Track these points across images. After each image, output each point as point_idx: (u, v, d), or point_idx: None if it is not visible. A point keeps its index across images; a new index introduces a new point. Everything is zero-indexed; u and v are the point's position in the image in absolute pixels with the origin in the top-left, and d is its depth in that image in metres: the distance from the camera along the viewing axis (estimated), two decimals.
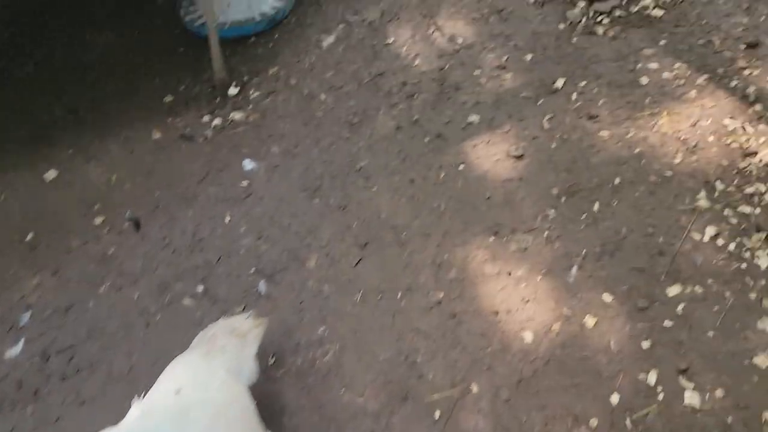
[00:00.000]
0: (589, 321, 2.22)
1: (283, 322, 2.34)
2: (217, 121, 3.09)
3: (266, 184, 2.82)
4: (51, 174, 2.90)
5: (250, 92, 3.23)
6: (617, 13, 3.37)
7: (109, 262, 2.58)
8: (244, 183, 2.83)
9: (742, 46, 3.05)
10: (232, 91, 3.23)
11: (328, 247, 2.56)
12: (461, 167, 2.79)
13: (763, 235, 2.31)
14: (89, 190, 2.83)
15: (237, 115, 3.11)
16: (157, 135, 3.06)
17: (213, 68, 3.16)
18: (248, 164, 2.90)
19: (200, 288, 2.47)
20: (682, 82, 2.95)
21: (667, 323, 2.17)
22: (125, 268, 2.55)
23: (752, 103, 2.79)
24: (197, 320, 2.36)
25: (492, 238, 2.52)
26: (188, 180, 2.87)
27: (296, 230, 2.63)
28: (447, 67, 3.24)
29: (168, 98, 3.23)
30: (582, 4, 3.43)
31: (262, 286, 2.46)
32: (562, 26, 3.35)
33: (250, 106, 3.16)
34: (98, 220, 2.71)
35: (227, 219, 2.69)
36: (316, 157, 2.92)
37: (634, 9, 3.39)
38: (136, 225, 2.69)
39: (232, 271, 2.52)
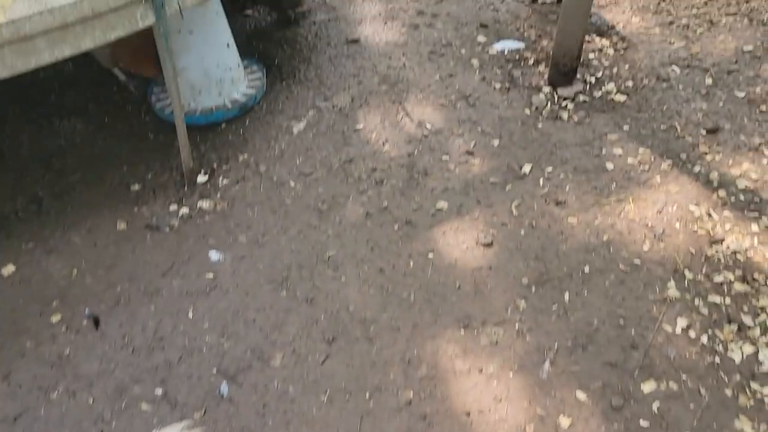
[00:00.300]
0: (564, 422, 2.14)
1: (244, 428, 2.22)
2: (184, 210, 3.05)
3: (232, 276, 2.75)
4: (8, 269, 2.80)
5: (219, 179, 3.21)
6: (581, 98, 3.45)
7: (65, 364, 2.46)
8: (210, 275, 2.76)
9: (703, 132, 3.13)
10: (201, 178, 3.20)
11: (294, 343, 2.48)
12: (430, 255, 2.76)
13: (734, 327, 2.28)
14: (48, 286, 2.74)
15: (205, 204, 3.07)
16: (122, 225, 3.00)
17: (181, 157, 3.14)
18: (214, 255, 2.84)
19: (159, 391, 2.35)
20: (646, 167, 2.99)
21: (643, 423, 2.10)
22: (81, 371, 2.43)
23: (716, 189, 2.83)
24: (153, 426, 2.24)
25: (462, 331, 2.46)
26: (152, 272, 2.79)
27: (261, 325, 2.55)
28: (416, 152, 3.26)
29: (135, 186, 3.19)
30: (547, 89, 3.52)
31: (224, 387, 2.35)
32: (527, 111, 3.42)
33: (219, 194, 3.13)
34: (55, 319, 2.60)
35: (190, 314, 2.61)
36: (284, 246, 2.87)
37: (598, 94, 3.48)
38: (95, 323, 2.59)
39: (193, 372, 2.41)
